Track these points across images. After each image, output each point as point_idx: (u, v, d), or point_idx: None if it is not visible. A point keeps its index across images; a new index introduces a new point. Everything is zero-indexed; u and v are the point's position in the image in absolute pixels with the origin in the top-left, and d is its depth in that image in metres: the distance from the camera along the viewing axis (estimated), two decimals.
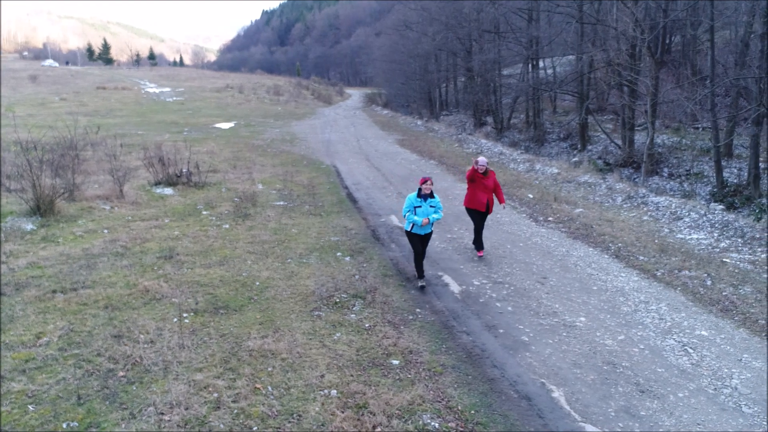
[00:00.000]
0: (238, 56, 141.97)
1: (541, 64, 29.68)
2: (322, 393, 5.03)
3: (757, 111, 14.75)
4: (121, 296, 6.96)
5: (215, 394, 4.91)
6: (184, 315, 6.49)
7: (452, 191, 14.18)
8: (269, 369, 5.39)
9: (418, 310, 7.02)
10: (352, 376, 5.35)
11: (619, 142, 22.18)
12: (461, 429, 4.67)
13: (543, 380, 5.47)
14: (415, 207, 7.53)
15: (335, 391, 5.08)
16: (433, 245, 9.68)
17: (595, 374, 5.60)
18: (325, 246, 9.40)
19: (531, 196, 13.67)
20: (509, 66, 33.49)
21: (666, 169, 21.80)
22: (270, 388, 5.06)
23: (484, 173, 9.00)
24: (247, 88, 56.08)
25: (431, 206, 7.58)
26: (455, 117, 40.48)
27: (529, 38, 24.18)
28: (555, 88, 26.05)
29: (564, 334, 6.45)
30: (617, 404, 5.10)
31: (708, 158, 20.48)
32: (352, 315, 6.74)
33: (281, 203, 12.64)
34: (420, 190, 7.56)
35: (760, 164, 16.91)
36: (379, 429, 4.57)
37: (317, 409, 4.78)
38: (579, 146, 23.62)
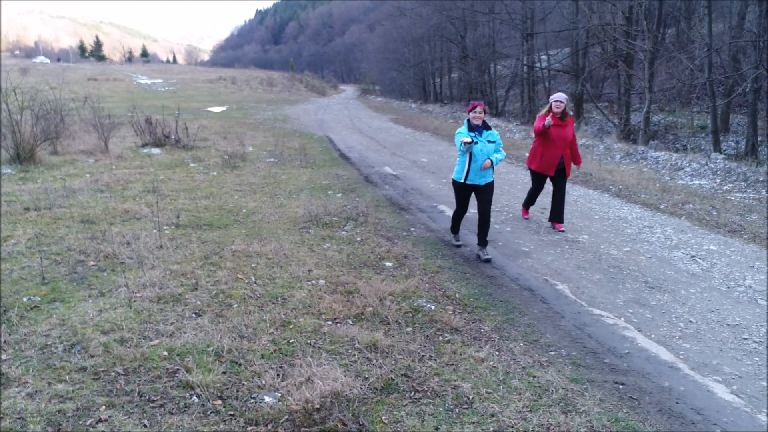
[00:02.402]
0: (232, 55, 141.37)
1: (535, 57, 29.49)
2: (309, 283, 4.67)
3: (756, 72, 14.51)
4: (98, 215, 6.57)
5: (193, 280, 4.53)
6: (165, 228, 6.11)
7: (447, 153, 13.87)
8: (253, 265, 5.02)
9: (412, 228, 6.68)
10: (342, 271, 5.00)
11: (616, 121, 21.96)
12: (459, 311, 4.32)
13: (546, 277, 5.14)
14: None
15: (323, 281, 4.72)
16: (428, 186, 9.35)
17: (601, 275, 5.28)
18: (316, 186, 9.04)
19: (527, 154, 13.37)
20: (503, 58, 33.30)
21: (663, 145, 21.64)
22: (253, 278, 4.70)
23: (562, 116, 6.40)
24: (240, 80, 55.55)
25: (490, 141, 5.48)
26: (449, 107, 40.29)
27: (523, 15, 23.91)
28: (550, 67, 25.78)
29: (566, 246, 6.13)
30: (626, 297, 4.77)
31: (704, 134, 20.31)
32: (343, 232, 6.38)
33: (272, 160, 12.26)
34: (468, 121, 5.50)
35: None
36: (370, 309, 4.21)
37: (304, 294, 4.42)
38: (576, 123, 23.37)
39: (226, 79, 56.67)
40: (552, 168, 6.60)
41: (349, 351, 3.61)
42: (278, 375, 3.25)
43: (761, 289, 4.98)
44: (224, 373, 3.24)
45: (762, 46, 14.79)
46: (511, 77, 29.10)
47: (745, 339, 4.01)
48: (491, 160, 5.49)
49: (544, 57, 30.01)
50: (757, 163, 10.78)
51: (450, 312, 4.28)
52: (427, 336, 3.89)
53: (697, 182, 9.99)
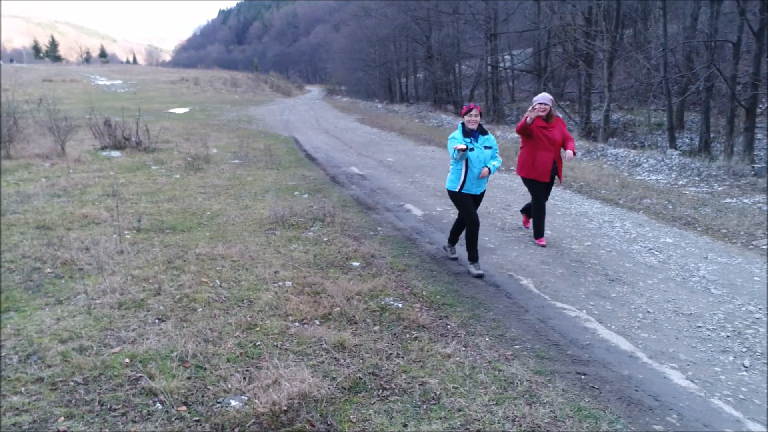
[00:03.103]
0: (195, 55, 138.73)
1: (499, 57, 29.88)
2: (275, 284, 4.64)
3: (708, 72, 15.08)
4: (55, 220, 6.37)
5: (156, 285, 4.44)
6: (125, 232, 5.96)
7: (413, 152, 13.94)
8: (218, 268, 4.95)
9: (379, 228, 6.69)
10: (308, 272, 4.97)
11: (577, 120, 22.48)
12: (426, 308, 4.36)
13: (511, 273, 5.23)
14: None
15: (290, 282, 4.69)
16: (395, 186, 9.39)
17: (564, 269, 5.40)
18: (282, 188, 8.97)
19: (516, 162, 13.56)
20: (468, 58, 33.62)
21: (622, 142, 22.26)
22: (218, 281, 4.63)
23: (547, 118, 5.88)
24: (203, 81, 54.58)
25: (486, 147, 5.07)
26: (416, 107, 40.50)
27: (487, 15, 24.22)
28: (513, 67, 26.20)
29: (530, 242, 6.24)
30: (587, 290, 4.90)
31: (661, 131, 20.98)
32: (310, 233, 6.35)
33: (237, 161, 12.10)
34: (463, 125, 5.05)
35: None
36: (337, 309, 4.21)
37: (270, 296, 4.38)
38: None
39: (189, 80, 55.63)
40: (546, 174, 5.97)
41: (317, 351, 3.60)
42: (245, 378, 3.22)
43: (714, 278, 5.18)
44: (189, 378, 3.19)
45: (713, 46, 15.39)
46: (476, 77, 29.47)
47: (700, 327, 4.17)
48: (489, 169, 5.05)
49: (507, 57, 30.49)
50: (710, 159, 11.20)
51: (417, 309, 4.31)
52: (395, 334, 3.91)
53: (654, 177, 10.32)
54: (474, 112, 5.00)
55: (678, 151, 12.74)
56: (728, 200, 8.37)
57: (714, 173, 9.91)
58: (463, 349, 3.75)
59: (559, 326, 4.18)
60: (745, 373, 3.54)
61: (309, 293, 4.46)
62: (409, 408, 3.05)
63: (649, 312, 4.44)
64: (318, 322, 4.01)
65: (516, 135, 16.38)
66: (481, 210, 7.69)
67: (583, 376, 3.48)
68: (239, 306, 4.19)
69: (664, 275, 5.27)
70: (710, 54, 15.73)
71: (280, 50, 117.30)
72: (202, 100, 38.25)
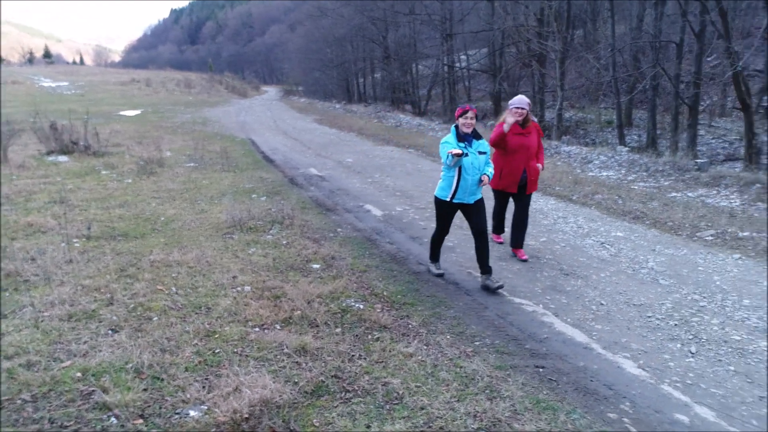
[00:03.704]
0: (146, 56, 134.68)
1: (455, 57, 30.25)
2: (234, 290, 4.56)
3: (654, 71, 15.69)
4: None
5: (108, 295, 4.30)
6: (74, 241, 5.74)
7: (372, 153, 13.95)
8: (174, 275, 4.83)
9: (339, 229, 6.67)
10: (268, 276, 4.91)
11: (533, 118, 22.99)
12: (387, 308, 4.37)
13: (470, 270, 5.31)
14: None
15: (249, 287, 4.62)
16: (354, 186, 9.37)
17: (520, 265, 5.53)
18: (240, 190, 8.82)
19: None
20: (425, 58, 33.86)
21: (575, 140, 22.92)
22: (174, 289, 4.52)
23: (523, 123, 5.48)
24: (155, 82, 53.06)
25: (480, 152, 4.70)
26: (374, 107, 40.54)
27: (442, 16, 24.49)
28: (469, 67, 26.57)
29: (489, 240, 6.33)
30: (543, 284, 5.02)
31: (611, 129, 21.70)
32: (269, 236, 6.27)
33: (192, 164, 11.82)
34: (456, 128, 4.72)
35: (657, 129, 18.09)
36: (298, 312, 4.17)
37: (229, 302, 4.31)
38: (493, 120, 24.24)
39: (140, 81, 53.99)
40: (514, 185, 5.57)
41: (278, 356, 3.56)
42: (204, 387, 3.16)
43: (662, 270, 5.40)
44: (145, 390, 3.10)
45: (658, 47, 16.03)
46: (433, 77, 29.74)
47: (649, 317, 4.34)
48: (487, 177, 4.72)
49: (463, 57, 30.91)
50: (656, 155, 11.66)
51: (378, 310, 4.33)
52: (357, 335, 3.91)
53: (605, 174, 10.66)
54: (470, 114, 4.63)
55: (627, 148, 13.21)
56: (674, 194, 8.73)
57: (660, 168, 10.32)
58: (425, 347, 3.79)
59: (517, 321, 4.27)
60: (692, 359, 3.71)
61: (269, 297, 4.41)
62: (372, 409, 3.06)
63: (602, 304, 4.59)
64: (279, 327, 3.97)
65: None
66: None
67: (541, 369, 3.57)
68: (197, 313, 4.10)
69: (616, 268, 5.46)
70: (655, 54, 16.38)
71: (235, 50, 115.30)
72: (155, 102, 37.20)
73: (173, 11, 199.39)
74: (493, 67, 24.02)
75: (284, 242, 6.01)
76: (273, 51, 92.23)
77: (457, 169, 4.65)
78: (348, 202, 8.19)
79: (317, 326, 4.01)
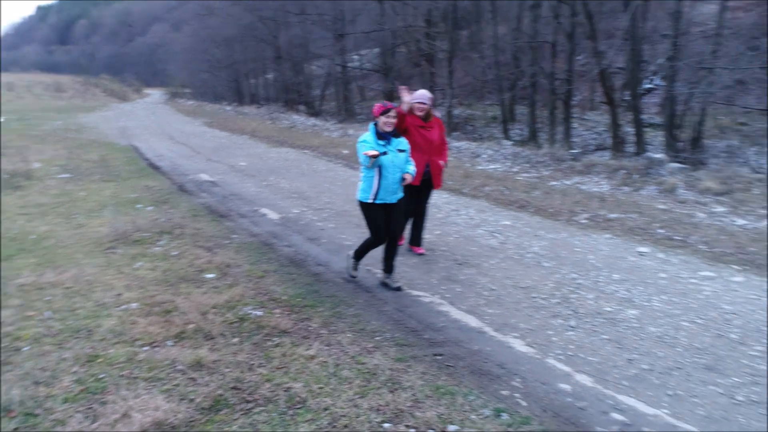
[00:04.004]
0: (8, 57, 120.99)
1: (348, 57, 30.39)
2: (119, 309, 4.26)
3: (532, 69, 16.83)
4: None
5: None
6: None
7: (267, 155, 13.66)
8: (48, 298, 4.41)
9: (234, 235, 6.46)
10: (157, 290, 4.64)
11: (435, 113, 23.73)
12: (287, 313, 4.31)
13: (369, 267, 5.37)
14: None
15: (136, 304, 4.34)
16: (248, 191, 9.13)
17: (417, 258, 5.69)
18: (122, 201, 8.24)
19: (346, 152, 13.79)
20: (317, 59, 33.68)
21: (464, 136, 24.00)
22: (49, 313, 4.13)
23: (426, 117, 5.47)
24: (18, 86, 47.99)
25: (400, 150, 4.63)
26: (267, 109, 39.67)
27: (334, 16, 24.52)
28: (362, 67, 26.85)
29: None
30: (439, 275, 5.21)
31: (496, 124, 22.98)
32: (157, 248, 5.92)
33: (66, 176, 10.86)
34: (375, 126, 4.58)
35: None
36: (191, 325, 3.99)
37: (113, 322, 4.01)
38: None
39: (2, 86, 48.58)
40: (418, 177, 5.35)
41: (171, 374, 3.38)
42: (87, 417, 2.92)
43: (544, 253, 5.82)
44: (17, 429, 2.80)
45: (535, 47, 17.20)
46: (326, 77, 29.69)
47: (534, 297, 4.66)
48: (410, 175, 4.65)
49: (356, 57, 31.17)
50: (537, 147, 12.53)
51: (278, 315, 4.25)
52: (256, 343, 3.82)
53: (492, 167, 11.28)
54: (392, 113, 4.48)
55: (511, 142, 14.07)
56: (553, 183, 9.44)
57: (541, 160, 11.10)
58: (326, 348, 3.78)
59: (415, 313, 4.40)
60: (572, 333, 4.03)
61: (159, 313, 4.17)
62: (275, 417, 3.01)
63: (493, 289, 4.85)
64: (171, 343, 3.77)
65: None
66: (338, 208, 7.82)
67: (439, 357, 3.70)
68: (76, 338, 3.78)
69: (504, 254, 5.80)
70: (533, 53, 17.58)
71: (113, 51, 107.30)
72: (19, 108, 33.66)
73: (40, 8, 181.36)
74: (385, 67, 24.47)
75: (174, 253, 5.71)
76: (156, 52, 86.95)
77: (377, 168, 4.52)
78: (242, 206, 7.97)
79: (213, 338, 3.86)
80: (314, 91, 31.31)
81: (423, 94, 5.51)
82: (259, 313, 4.27)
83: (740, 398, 3.18)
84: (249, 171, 11.00)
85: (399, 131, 5.04)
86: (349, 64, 28.83)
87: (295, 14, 28.56)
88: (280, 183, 9.72)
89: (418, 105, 5.39)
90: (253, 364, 3.54)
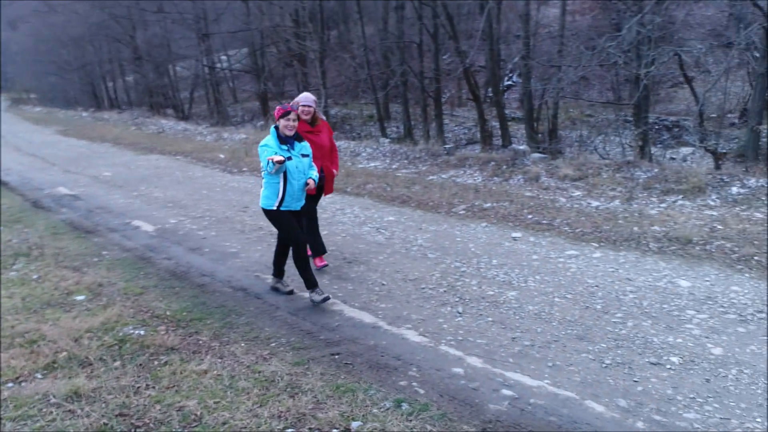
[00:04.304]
0: None
1: (215, 58, 29.15)
2: None
3: (402, 68, 17.41)
4: None
5: None
6: None
7: (134, 163, 12.71)
8: None
9: (104, 252, 5.95)
10: (17, 320, 4.14)
11: (321, 116, 23.52)
12: (173, 328, 4.07)
13: (257, 273, 5.25)
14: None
15: None
16: (117, 202, 8.44)
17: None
18: None
19: (222, 156, 13.26)
20: (182, 59, 31.89)
21: (343, 135, 24.22)
22: None
23: (312, 122, 5.13)
24: None
25: (303, 155, 4.45)
26: (129, 113, 36.82)
27: (196, 15, 23.37)
28: (231, 68, 25.94)
29: (272, 240, 6.29)
30: (330, 275, 5.23)
31: (373, 123, 23.48)
32: (12, 273, 5.28)
33: None
34: (277, 130, 4.34)
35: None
36: (63, 354, 3.62)
37: None
38: (263, 120, 24.19)
39: None
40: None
41: (44, 409, 3.05)
42: None
43: (428, 245, 6.07)
44: None
45: (403, 46, 17.82)
46: (193, 79, 28.28)
47: (423, 288, 4.86)
48: (313, 181, 4.49)
49: (224, 57, 30.01)
50: (413, 143, 13.01)
51: (163, 332, 4.00)
52: (140, 365, 3.56)
53: (373, 164, 11.51)
54: (292, 116, 4.30)
55: (389, 139, 14.48)
56: (431, 177, 9.87)
57: (418, 156, 11.54)
58: (219, 360, 3.64)
59: (309, 315, 4.38)
60: (460, 319, 4.27)
61: (22, 344, 3.73)
62: None
63: (383, 284, 4.97)
64: (40, 376, 3.39)
65: (244, 136, 16.37)
66: (218, 215, 7.52)
67: (337, 356, 3.72)
68: None
69: (392, 249, 5.96)
70: (401, 53, 18.19)
71: None
72: None
73: None
74: (256, 67, 23.90)
75: (35, 277, 5.13)
76: None
77: (282, 175, 4.30)
78: (111, 220, 7.35)
79: (90, 365, 3.53)
80: (182, 93, 29.69)
81: (307, 96, 5.15)
82: (141, 332, 3.98)
83: (608, 361, 3.59)
84: (116, 181, 10.17)
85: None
86: (218, 65, 27.72)
87: (153, 12, 26.86)
88: (152, 192, 9.10)
89: (303, 108, 5.02)
90: (139, 387, 3.30)
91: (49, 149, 15.83)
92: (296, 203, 4.49)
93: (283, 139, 4.35)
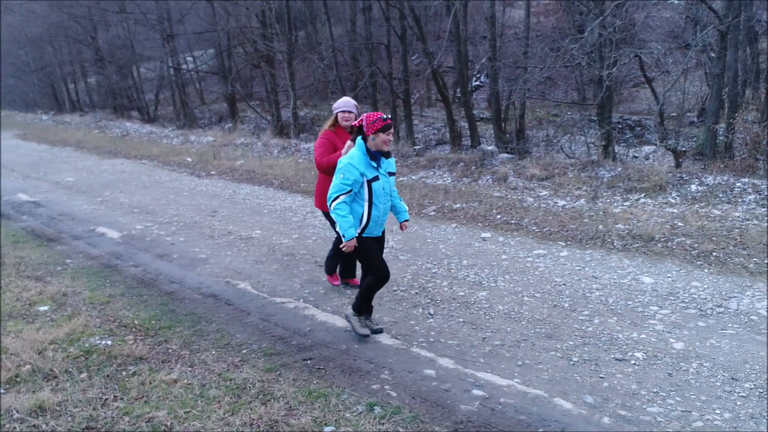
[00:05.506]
0: None
1: (181, 59, 28.61)
2: None
3: (371, 69, 17.44)
4: None
5: None
6: None
7: (98, 168, 12.39)
8: None
9: (68, 260, 5.80)
10: None
11: (269, 118, 23.34)
12: (141, 338, 4.00)
13: (227, 279, 5.19)
14: (368, 180, 3.68)
15: None
16: (80, 209, 8.23)
17: (278, 264, 5.62)
18: None
19: (190, 159, 13.05)
20: (147, 61, 31.18)
21: (312, 137, 24.06)
22: None
23: (353, 131, 4.06)
24: None
25: (390, 173, 3.87)
26: (92, 116, 35.84)
27: (159, 15, 22.91)
28: (197, 69, 25.53)
29: (242, 245, 6.28)
30: (302, 279, 5.21)
31: None
32: None
33: None
34: (365, 140, 3.66)
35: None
36: (27, 367, 3.52)
37: None
38: (232, 122, 23.89)
39: None
40: None
41: (7, 425, 2.98)
42: None
43: (400, 247, 6.11)
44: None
45: (371, 48, 17.84)
46: (158, 80, 27.74)
47: (395, 290, 4.88)
48: (408, 222, 4.13)
49: (190, 59, 29.50)
50: None
51: (131, 342, 3.93)
52: (108, 376, 3.49)
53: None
54: (392, 130, 3.69)
55: None
56: (401, 179, 9.90)
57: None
58: (190, 369, 3.59)
59: (281, 320, 4.35)
60: (432, 320, 4.31)
61: None
62: None
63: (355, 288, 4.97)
64: (3, 390, 3.29)
65: (211, 138, 16.12)
66: (187, 220, 7.40)
67: (309, 361, 3.72)
68: None
69: None
70: (370, 54, 18.23)
71: None
72: None
73: None
74: (223, 69, 23.58)
75: None
76: None
77: (367, 196, 3.71)
78: (75, 227, 7.16)
79: (55, 377, 3.45)
80: (147, 95, 29.09)
81: (347, 101, 4.51)
82: (108, 342, 3.90)
83: (575, 359, 3.68)
84: (79, 187, 9.90)
85: (323, 170, 4.35)
86: (183, 67, 27.23)
87: (114, 12, 26.23)
88: (118, 198, 8.90)
89: (342, 115, 4.43)
90: (107, 399, 3.24)
91: (8, 154, 15.30)
92: (379, 229, 3.94)
93: (372, 155, 3.69)
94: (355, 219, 3.73)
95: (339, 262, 4.93)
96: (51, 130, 21.86)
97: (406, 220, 4.10)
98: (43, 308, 4.50)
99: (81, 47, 30.88)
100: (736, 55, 11.12)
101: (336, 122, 4.53)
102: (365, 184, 3.66)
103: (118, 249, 6.19)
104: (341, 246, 3.73)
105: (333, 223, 4.36)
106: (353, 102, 4.54)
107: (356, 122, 3.72)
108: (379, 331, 4.05)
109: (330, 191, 3.69)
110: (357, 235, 3.74)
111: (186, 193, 9.18)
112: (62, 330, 4.02)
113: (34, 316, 4.36)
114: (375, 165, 3.70)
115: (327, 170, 4.30)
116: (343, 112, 4.46)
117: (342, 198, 3.63)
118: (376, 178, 3.70)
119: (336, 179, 3.65)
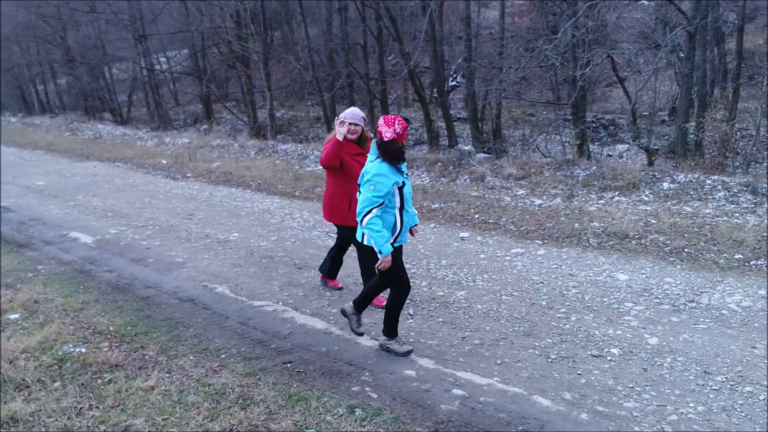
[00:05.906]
0: None
1: (154, 59, 28.14)
2: None
3: (347, 70, 17.41)
4: None
5: None
6: None
7: (70, 171, 12.12)
8: None
9: (39, 266, 5.66)
10: None
11: (245, 119, 23.13)
12: (116, 344, 3.93)
13: (205, 283, 5.13)
14: (399, 187, 3.56)
15: None
16: (52, 213, 8.04)
17: (256, 267, 5.57)
18: None
19: (165, 162, 12.85)
20: (119, 61, 30.60)
21: (289, 138, 23.95)
22: None
23: (360, 142, 4.32)
24: None
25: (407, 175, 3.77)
26: (63, 118, 35.03)
27: (131, 15, 22.52)
28: (171, 70, 25.15)
29: (220, 248, 6.21)
30: (280, 282, 5.17)
31: (320, 124, 23.37)
32: None
33: None
34: (394, 152, 3.52)
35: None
36: None
37: None
38: (207, 124, 23.61)
39: None
40: (344, 215, 4.38)
41: None
42: None
43: None
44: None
45: (348, 48, 17.81)
46: (131, 81, 27.25)
47: None
48: (419, 227, 4.03)
49: (163, 59, 29.03)
50: None
51: (106, 349, 3.85)
52: (83, 384, 3.42)
53: (320, 168, 11.44)
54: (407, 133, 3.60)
55: None
56: None
57: None
58: (167, 375, 3.54)
59: (260, 324, 4.32)
60: (411, 321, 4.32)
61: None
62: None
63: (336, 289, 4.96)
64: None
65: (187, 140, 15.91)
66: (163, 223, 7.29)
67: (289, 365, 3.70)
68: None
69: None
70: (346, 55, 18.17)
71: None
72: None
73: None
74: (197, 69, 23.28)
75: None
76: None
77: (399, 204, 3.58)
78: (47, 232, 7.00)
79: (28, 387, 3.36)
80: (120, 96, 28.55)
81: (354, 113, 4.33)
82: (82, 350, 3.82)
83: (553, 356, 3.72)
84: (50, 191, 9.67)
85: (333, 167, 4.27)
86: (157, 67, 26.80)
87: (84, 12, 25.70)
88: (91, 202, 8.72)
89: (350, 127, 4.27)
90: (82, 408, 3.17)
91: None
92: (406, 234, 3.79)
93: (395, 163, 3.54)
94: (388, 227, 3.56)
95: (336, 262, 4.92)
96: (20, 133, 21.34)
97: (416, 225, 3.94)
98: (13, 316, 4.39)
99: (50, 48, 30.17)
100: (705, 56, 11.41)
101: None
102: (396, 192, 3.54)
103: (92, 254, 6.07)
104: (378, 265, 3.54)
105: (345, 235, 4.47)
106: (361, 114, 4.36)
107: (381, 132, 3.50)
108: (361, 334, 3.92)
109: (360, 205, 3.50)
110: (391, 242, 3.57)
111: (161, 196, 9.04)
112: (34, 338, 3.92)
113: (4, 325, 4.24)
114: (401, 170, 3.57)
115: (329, 163, 4.26)
116: (351, 123, 4.26)
117: (375, 212, 3.46)
118: (404, 184, 3.59)
119: (366, 192, 3.47)
